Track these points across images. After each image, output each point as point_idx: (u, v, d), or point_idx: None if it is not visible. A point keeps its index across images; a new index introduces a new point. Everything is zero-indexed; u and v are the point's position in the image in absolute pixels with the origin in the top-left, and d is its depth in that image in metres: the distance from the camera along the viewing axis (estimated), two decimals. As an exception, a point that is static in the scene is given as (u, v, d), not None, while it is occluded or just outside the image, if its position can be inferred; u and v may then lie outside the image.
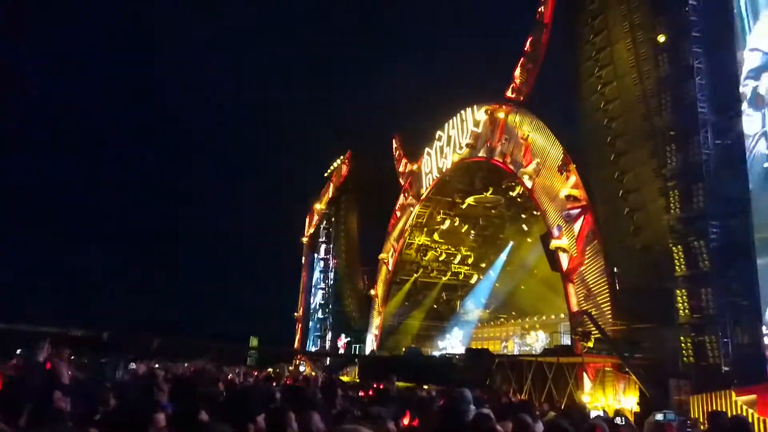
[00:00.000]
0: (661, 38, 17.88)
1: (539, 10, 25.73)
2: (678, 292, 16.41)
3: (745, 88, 12.88)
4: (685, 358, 16.03)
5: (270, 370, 42.18)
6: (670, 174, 17.24)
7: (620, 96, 20.38)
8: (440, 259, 38.46)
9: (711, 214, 15.77)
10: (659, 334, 17.29)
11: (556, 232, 22.82)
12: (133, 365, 11.97)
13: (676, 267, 16.53)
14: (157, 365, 15.98)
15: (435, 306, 39.85)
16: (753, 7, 12.96)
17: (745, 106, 13.14)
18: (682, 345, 16.15)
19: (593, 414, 11.93)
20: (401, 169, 40.79)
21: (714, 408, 12.78)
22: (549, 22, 25.18)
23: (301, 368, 43.82)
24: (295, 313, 56.32)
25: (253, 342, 49.55)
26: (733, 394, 12.56)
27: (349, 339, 42.30)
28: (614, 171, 20.32)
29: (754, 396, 11.97)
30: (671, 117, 17.46)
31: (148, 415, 3.47)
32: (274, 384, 11.20)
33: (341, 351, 42.32)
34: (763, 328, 12.52)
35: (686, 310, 16.16)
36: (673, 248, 16.69)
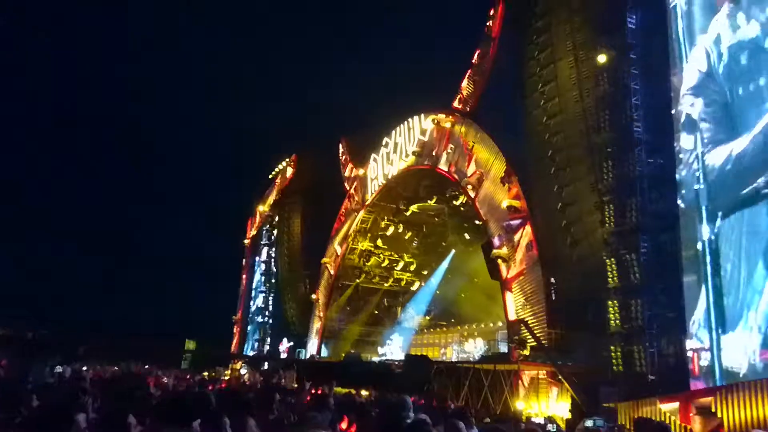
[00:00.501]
0: (602, 59, 18.58)
1: (488, 24, 26.32)
2: (610, 302, 17.05)
3: (682, 106, 13.48)
4: (614, 367, 16.65)
5: (206, 374, 41.07)
6: (605, 189, 17.92)
7: (562, 112, 21.01)
8: (383, 265, 38.58)
9: (642, 229, 16.48)
10: (592, 343, 17.88)
11: (496, 242, 23.28)
12: (59, 367, 11.43)
13: (609, 279, 17.17)
14: (84, 367, 15.32)
15: (376, 312, 39.93)
16: (689, 33, 13.63)
17: (680, 128, 13.78)
18: (613, 354, 16.78)
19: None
20: (347, 173, 40.72)
21: (640, 415, 13.29)
22: (497, 37, 25.78)
23: (243, 371, 42.95)
24: (234, 316, 55.20)
25: (190, 345, 48.27)
26: (658, 401, 13.11)
27: (292, 344, 41.60)
28: (554, 184, 20.92)
29: (677, 404, 12.52)
30: (609, 134, 18.16)
31: (68, 416, 3.32)
32: (210, 388, 10.91)
33: (284, 355, 41.54)
34: (687, 340, 13.12)
35: (617, 321, 16.81)
36: (607, 260, 17.35)
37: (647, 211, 16.59)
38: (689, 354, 13.01)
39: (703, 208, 12.72)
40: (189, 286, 58.32)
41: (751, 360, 11.17)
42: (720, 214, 12.24)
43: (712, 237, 12.44)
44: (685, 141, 13.56)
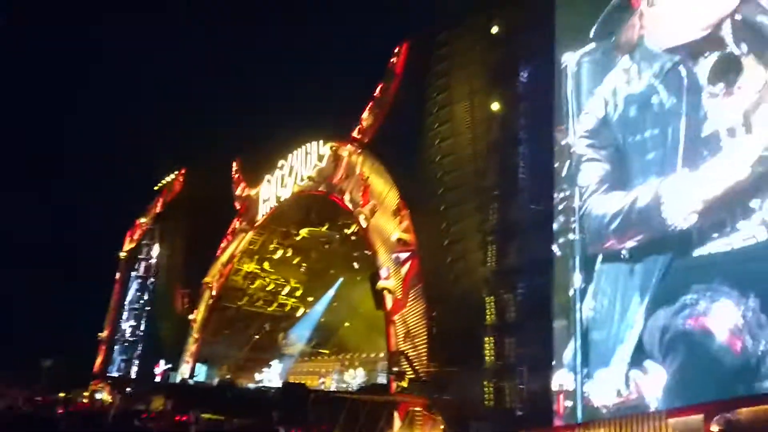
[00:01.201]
0: (495, 106, 19.60)
1: (392, 60, 27.06)
2: (486, 339, 17.69)
3: (575, 147, 14.25)
4: (486, 402, 17.20)
5: (62, 395, 37.61)
6: (489, 230, 18.74)
7: (454, 152, 21.79)
8: (268, 288, 37.72)
9: (520, 271, 17.36)
10: (467, 377, 18.38)
11: (384, 273, 23.56)
12: None
13: (487, 316, 17.85)
14: None
15: (257, 336, 38.79)
16: (577, 93, 14.72)
17: (561, 180, 14.76)
18: (485, 389, 17.35)
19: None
20: (238, 192, 39.68)
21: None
22: (400, 73, 26.55)
23: (98, 395, 39.74)
24: (100, 334, 51.19)
25: (47, 362, 44.00)
26: (523, 437, 13.74)
27: (169, 366, 38.89)
28: (442, 221, 21.55)
29: (540, 439, 13.18)
30: (496, 178, 19.06)
31: None
32: (62, 411, 9.96)
33: (158, 378, 38.65)
34: (554, 380, 13.88)
35: (492, 357, 17.46)
36: (486, 298, 18.04)
37: (525, 254, 17.51)
38: (555, 392, 13.74)
39: (577, 257, 13.62)
40: (55, 300, 53.36)
41: (619, 396, 11.92)
42: (599, 258, 13.07)
43: (584, 285, 13.29)
44: (565, 192, 14.53)
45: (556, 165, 15.09)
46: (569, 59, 14.87)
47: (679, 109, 11.63)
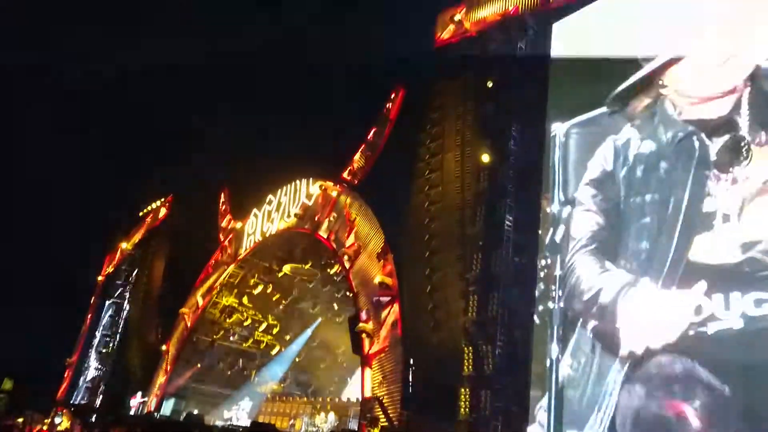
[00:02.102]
0: (485, 158, 19.94)
1: (387, 105, 27.57)
2: (462, 390, 17.48)
3: (578, 194, 14.36)
4: (459, 454, 16.88)
5: (20, 419, 36.23)
6: (472, 279, 18.76)
7: (443, 200, 22.00)
8: (245, 324, 37.13)
9: (500, 323, 17.32)
10: (441, 428, 18.07)
11: (364, 316, 23.37)
12: None
13: (465, 366, 17.69)
14: None
15: (229, 372, 37.95)
16: (563, 163, 15.05)
17: (544, 248, 14.92)
18: (459, 441, 17.05)
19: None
20: (224, 224, 39.50)
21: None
22: (393, 119, 27.02)
23: (57, 420, 38.23)
24: (68, 359, 49.77)
25: (7, 384, 42.48)
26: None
27: (146, 399, 36.88)
28: (426, 267, 21.55)
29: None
30: (482, 228, 19.22)
31: None
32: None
33: (132, 411, 36.75)
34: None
35: (467, 409, 17.21)
36: (465, 348, 17.92)
37: (507, 307, 17.51)
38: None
39: (555, 327, 13.68)
40: (24, 320, 51.90)
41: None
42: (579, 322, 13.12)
43: (560, 357, 13.32)
44: (548, 260, 14.71)
45: (540, 231, 15.29)
46: (558, 129, 15.28)
47: (686, 179, 11.83)
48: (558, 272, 13.97)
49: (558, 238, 14.39)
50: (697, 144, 11.79)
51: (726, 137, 11.22)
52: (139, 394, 37.18)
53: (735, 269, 10.27)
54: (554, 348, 13.41)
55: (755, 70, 11.26)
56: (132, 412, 34.72)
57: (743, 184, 10.73)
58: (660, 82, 12.95)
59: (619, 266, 12.58)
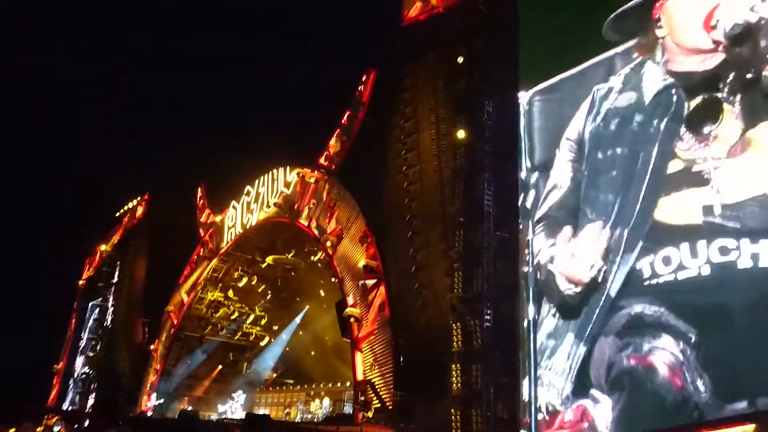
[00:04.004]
0: (461, 134, 19.89)
1: (359, 88, 27.33)
2: (453, 366, 17.61)
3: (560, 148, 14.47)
4: (453, 430, 17.04)
5: (12, 430, 35.74)
6: (456, 256, 18.81)
7: (421, 180, 21.99)
8: (232, 317, 36.99)
9: (486, 298, 17.43)
10: (434, 406, 18.25)
11: (350, 300, 23.39)
12: None
13: (454, 343, 17.80)
14: None
15: (220, 366, 37.85)
16: (529, 131, 15.12)
17: (522, 211, 15.03)
18: (452, 417, 17.21)
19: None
20: (203, 219, 39.10)
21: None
22: (367, 101, 26.80)
23: (56, 429, 37.92)
24: (56, 365, 49.21)
25: (-4, 395, 41.94)
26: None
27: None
28: (409, 248, 21.59)
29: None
30: (461, 205, 19.24)
31: None
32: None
33: (150, 413, 35.04)
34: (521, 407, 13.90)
35: (458, 384, 17.36)
36: (453, 325, 18.02)
37: (491, 281, 17.62)
38: (521, 420, 13.73)
39: (530, 289, 13.85)
40: (7, 329, 51.11)
41: (573, 426, 12.00)
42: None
43: (536, 317, 13.51)
44: (521, 225, 14.85)
45: (521, 199, 15.35)
46: (523, 98, 15.35)
47: (656, 135, 11.86)
48: (530, 236, 14.15)
49: (528, 204, 14.55)
50: (675, 98, 11.79)
51: (703, 96, 11.27)
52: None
53: (698, 230, 10.48)
54: (530, 309, 13.66)
55: (744, 29, 11.13)
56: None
57: (711, 144, 10.86)
58: (658, 20, 12.62)
59: (585, 218, 12.80)
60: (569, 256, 12.92)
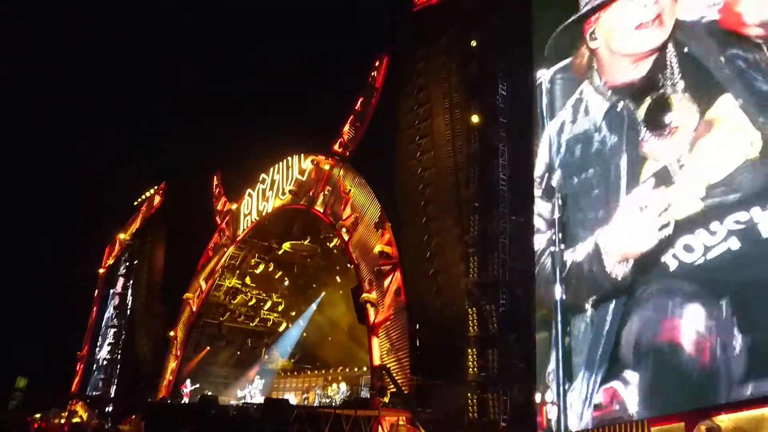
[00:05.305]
0: (475, 119, 19.80)
1: (372, 74, 27.22)
2: (469, 351, 17.70)
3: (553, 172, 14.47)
4: (470, 414, 17.17)
5: (38, 416, 36.65)
6: (471, 241, 18.82)
7: (435, 165, 21.94)
8: (250, 304, 37.33)
9: (502, 283, 17.43)
10: (450, 390, 18.36)
11: (366, 286, 23.50)
12: None
13: (470, 328, 17.87)
14: None
15: (239, 353, 38.35)
16: (551, 109, 14.91)
17: (539, 192, 14.88)
18: (469, 401, 17.33)
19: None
20: (219, 207, 39.42)
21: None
22: (380, 87, 26.70)
23: (75, 416, 38.75)
24: (79, 352, 50.25)
25: (20, 383, 42.96)
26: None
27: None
28: (424, 233, 21.62)
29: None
30: (476, 190, 19.22)
31: None
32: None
33: (185, 399, 34.73)
34: (538, 393, 13.90)
35: (475, 369, 17.46)
36: (469, 310, 18.07)
37: (507, 266, 17.61)
38: (539, 404, 13.74)
39: (558, 268, 13.66)
40: (30, 317, 52.13)
41: (601, 408, 11.93)
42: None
43: (564, 297, 13.33)
44: (543, 206, 14.67)
45: (536, 177, 15.21)
46: (544, 75, 15.10)
47: (621, 147, 11.98)
48: (556, 215, 13.99)
49: (554, 183, 14.41)
50: (624, 111, 12.00)
51: (650, 97, 11.48)
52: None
53: (704, 216, 10.34)
54: (557, 289, 13.51)
55: (674, 26, 11.25)
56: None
57: (674, 136, 10.91)
58: (592, 33, 12.97)
59: (582, 235, 12.73)
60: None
